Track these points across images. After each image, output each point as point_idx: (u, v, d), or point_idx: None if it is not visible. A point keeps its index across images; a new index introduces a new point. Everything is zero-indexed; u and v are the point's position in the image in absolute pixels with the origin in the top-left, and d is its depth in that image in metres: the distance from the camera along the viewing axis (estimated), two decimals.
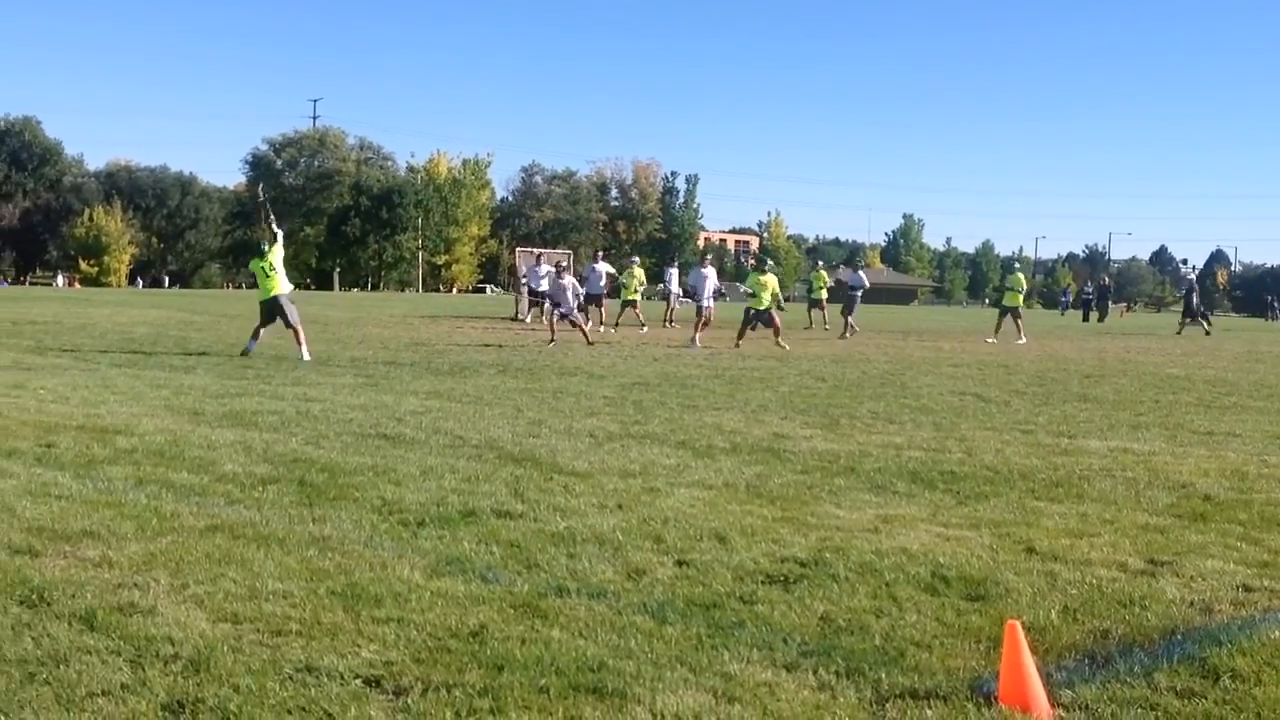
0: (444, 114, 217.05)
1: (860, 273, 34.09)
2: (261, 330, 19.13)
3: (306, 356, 17.89)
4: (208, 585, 5.26)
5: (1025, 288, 32.24)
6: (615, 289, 34.48)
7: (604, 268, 33.64)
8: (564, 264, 27.88)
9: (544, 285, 33.98)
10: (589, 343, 23.36)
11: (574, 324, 24.32)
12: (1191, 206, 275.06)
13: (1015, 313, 31.03)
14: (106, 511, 6.66)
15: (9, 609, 4.85)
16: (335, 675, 4.21)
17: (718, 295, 29.72)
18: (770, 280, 25.34)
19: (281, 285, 18.91)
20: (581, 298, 25.26)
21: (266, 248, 19.24)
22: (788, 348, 23.86)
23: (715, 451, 9.60)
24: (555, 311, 24.34)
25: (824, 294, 36.10)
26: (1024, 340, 29.37)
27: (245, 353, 18.34)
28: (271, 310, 18.90)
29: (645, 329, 31.56)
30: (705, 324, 26.05)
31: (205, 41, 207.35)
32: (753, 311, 25.00)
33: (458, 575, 5.57)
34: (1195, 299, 43.77)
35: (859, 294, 32.42)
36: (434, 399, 12.96)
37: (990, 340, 29.81)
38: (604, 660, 4.43)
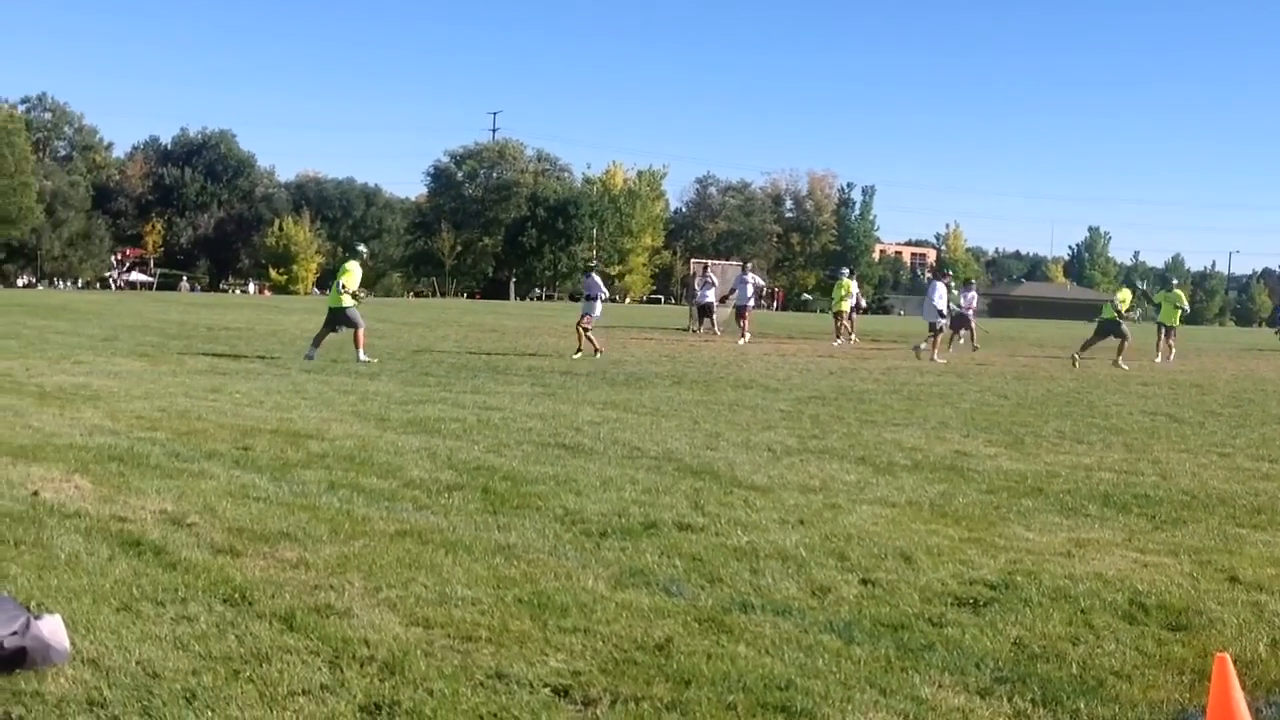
0: (620, 126, 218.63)
1: (971, 292, 32.48)
2: (324, 338, 19.57)
3: (363, 357, 18.50)
4: (399, 589, 5.38)
5: (1186, 306, 29.88)
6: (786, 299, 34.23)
7: (753, 278, 33.58)
8: (593, 263, 26.86)
9: (709, 297, 34.19)
10: (594, 351, 21.95)
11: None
12: None
13: (1169, 331, 28.71)
14: (302, 514, 6.87)
15: (213, 607, 5.04)
16: (525, 683, 4.25)
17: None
18: (1126, 294, 25.94)
19: (346, 300, 19.41)
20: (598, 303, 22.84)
21: (352, 267, 19.81)
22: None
23: (896, 468, 9.45)
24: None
25: (844, 305, 33.14)
26: (1159, 359, 27.51)
27: (309, 357, 18.87)
28: (335, 320, 19.46)
29: (838, 342, 31.26)
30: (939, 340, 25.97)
31: (391, 56, 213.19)
32: (1105, 322, 25.37)
33: (641, 587, 5.58)
34: None
35: (969, 311, 31.27)
36: (610, 409, 13.06)
37: (1157, 361, 27.26)
38: (791, 679, 4.38)
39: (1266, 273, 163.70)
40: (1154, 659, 4.77)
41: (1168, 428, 13.10)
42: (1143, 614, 5.40)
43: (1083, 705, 4.21)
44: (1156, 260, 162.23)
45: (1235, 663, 4.54)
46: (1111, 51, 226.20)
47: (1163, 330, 28.91)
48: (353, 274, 19.65)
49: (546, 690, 4.21)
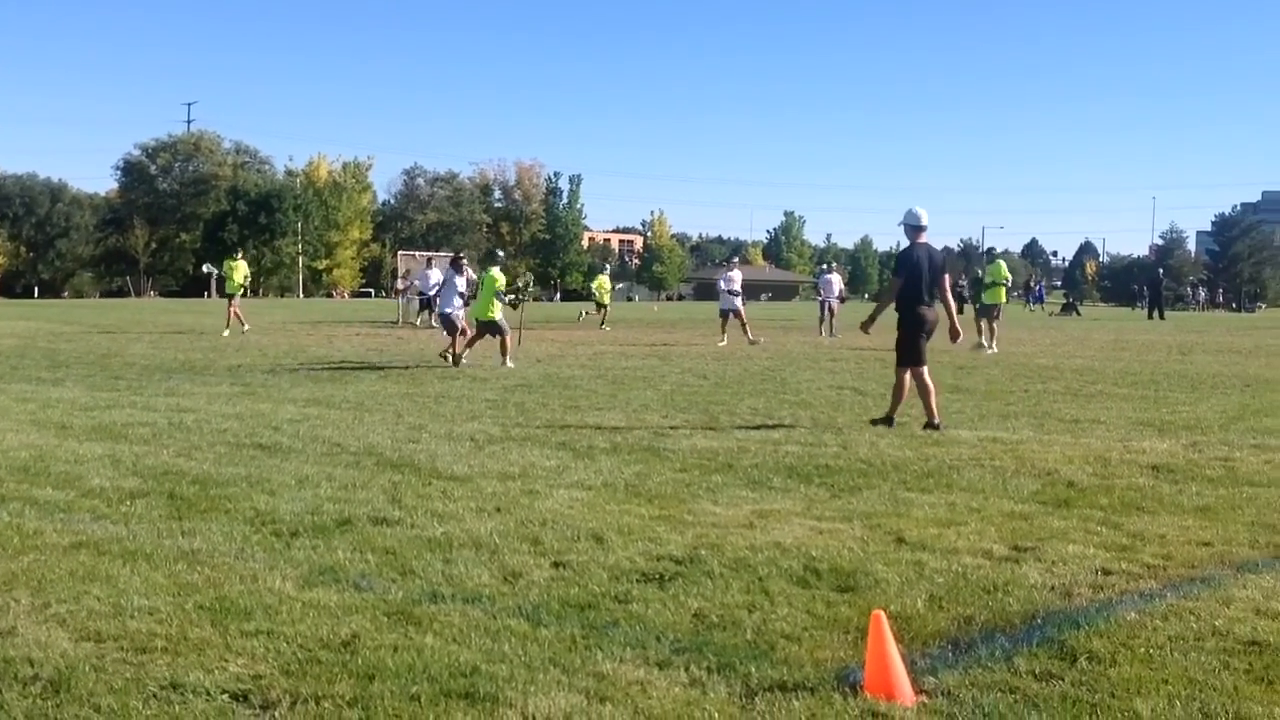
0: (323, 117, 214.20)
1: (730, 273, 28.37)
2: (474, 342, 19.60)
3: (509, 364, 18.60)
4: (70, 604, 5.14)
5: (1008, 280, 26.30)
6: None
7: (467, 272, 33.53)
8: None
9: (432, 290, 34.02)
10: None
11: None
12: (1062, 199, 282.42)
13: (995, 311, 25.15)
14: None
15: None
16: (201, 691, 4.14)
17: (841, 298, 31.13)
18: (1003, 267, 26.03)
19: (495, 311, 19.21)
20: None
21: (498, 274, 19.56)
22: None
23: (595, 452, 9.62)
24: None
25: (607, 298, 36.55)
26: (993, 349, 23.88)
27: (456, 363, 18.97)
28: (485, 329, 19.36)
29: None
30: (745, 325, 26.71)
31: (74, 46, 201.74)
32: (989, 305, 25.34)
33: (331, 585, 5.51)
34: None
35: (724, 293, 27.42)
36: (313, 406, 12.79)
37: (989, 350, 23.79)
38: (477, 665, 4.42)
39: (945, 250, 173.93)
40: (823, 620, 5.04)
41: (852, 400, 13.81)
42: (815, 578, 5.69)
43: (754, 669, 4.41)
44: (847, 242, 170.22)
45: (896, 618, 4.88)
46: (791, 34, 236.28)
47: (989, 312, 25.16)
48: (500, 281, 19.35)
49: (224, 697, 4.11)
